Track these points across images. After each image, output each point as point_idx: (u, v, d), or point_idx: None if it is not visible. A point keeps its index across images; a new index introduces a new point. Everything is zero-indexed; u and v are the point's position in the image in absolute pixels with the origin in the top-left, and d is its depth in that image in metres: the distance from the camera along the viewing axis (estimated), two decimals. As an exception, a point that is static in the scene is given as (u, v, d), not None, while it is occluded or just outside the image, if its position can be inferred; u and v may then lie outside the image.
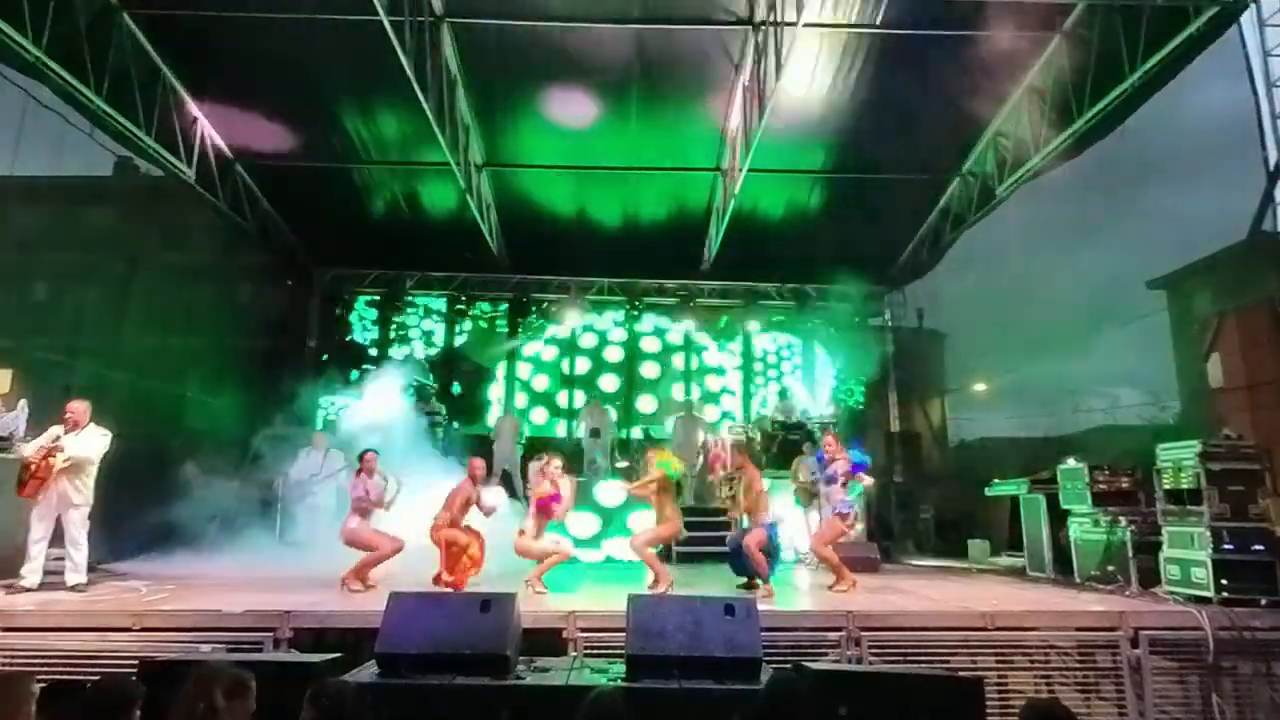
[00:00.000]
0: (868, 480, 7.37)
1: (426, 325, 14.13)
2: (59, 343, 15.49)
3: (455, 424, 12.35)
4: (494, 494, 7.38)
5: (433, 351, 14.01)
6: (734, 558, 7.14)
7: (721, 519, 10.18)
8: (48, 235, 17.52)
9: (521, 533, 6.80)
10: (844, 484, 7.12)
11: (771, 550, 6.81)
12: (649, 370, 14.20)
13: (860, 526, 8.53)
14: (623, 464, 11.36)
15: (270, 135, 10.42)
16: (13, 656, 4.78)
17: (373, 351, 13.82)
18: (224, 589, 6.34)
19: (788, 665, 4.60)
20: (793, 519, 9.67)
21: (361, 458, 7.15)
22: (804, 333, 14.23)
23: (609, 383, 14.00)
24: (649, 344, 14.25)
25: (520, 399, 13.92)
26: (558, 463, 6.99)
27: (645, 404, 13.95)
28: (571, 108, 9.66)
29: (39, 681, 3.40)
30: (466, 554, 6.80)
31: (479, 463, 7.28)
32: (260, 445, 10.41)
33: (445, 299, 14.02)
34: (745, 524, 6.96)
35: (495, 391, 13.97)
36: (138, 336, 11.88)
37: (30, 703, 3.01)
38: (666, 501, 6.88)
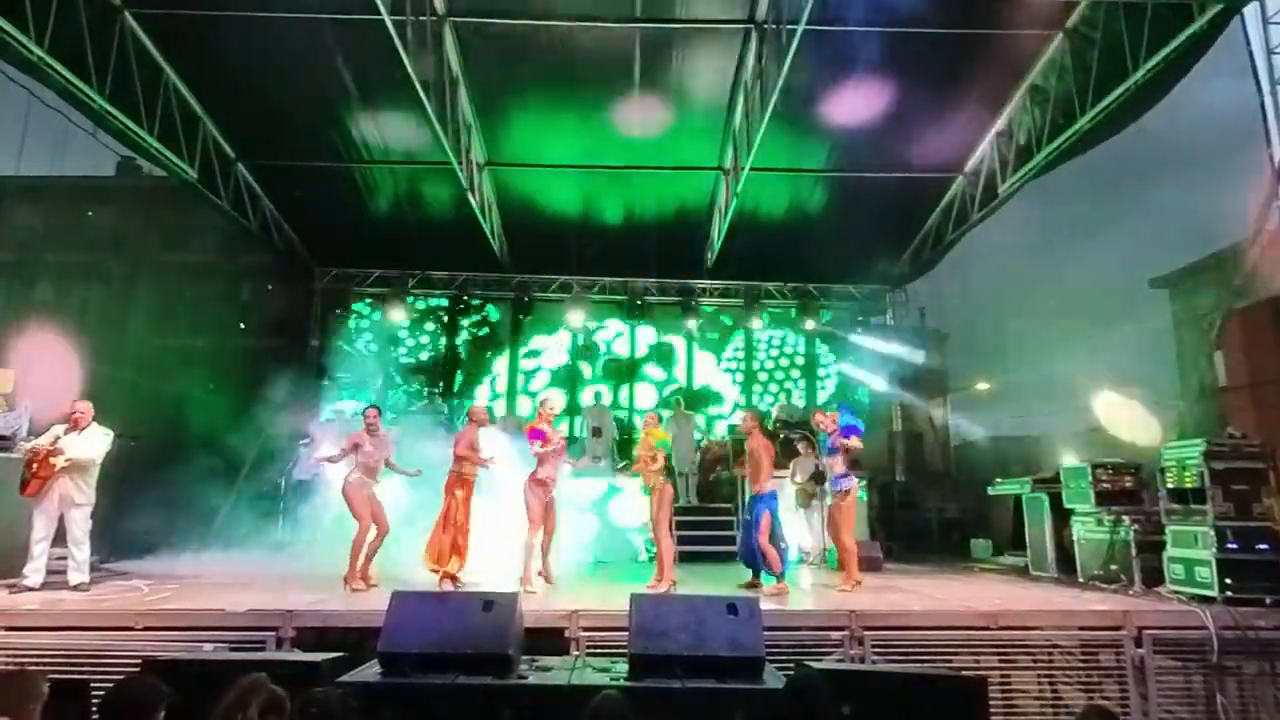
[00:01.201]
0: (856, 444, 7.30)
1: (428, 324, 14.16)
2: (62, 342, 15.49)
3: (459, 424, 12.34)
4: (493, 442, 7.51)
5: (435, 351, 14.04)
6: (745, 551, 7.21)
7: (723, 518, 10.25)
8: (51, 235, 17.54)
9: (538, 481, 6.90)
10: (844, 454, 7.18)
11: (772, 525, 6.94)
12: (650, 370, 14.19)
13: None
14: (623, 463, 11.36)
15: (272, 135, 10.45)
16: (16, 655, 4.79)
17: (374, 351, 13.84)
18: (226, 588, 6.35)
19: (791, 665, 4.60)
20: (792, 519, 9.69)
21: (365, 414, 7.21)
22: (806, 332, 14.20)
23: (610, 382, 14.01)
24: (649, 343, 14.24)
25: (523, 399, 13.91)
26: (554, 404, 7.52)
27: (647, 401, 13.95)
28: (572, 106, 9.66)
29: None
30: (455, 543, 6.86)
31: (480, 409, 7.61)
32: (263, 444, 10.42)
33: (447, 298, 14.03)
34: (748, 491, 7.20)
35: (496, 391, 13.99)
36: (140, 336, 11.88)
37: (40, 701, 3.00)
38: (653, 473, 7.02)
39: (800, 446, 10.24)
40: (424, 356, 14.01)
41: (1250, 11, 7.31)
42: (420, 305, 14.09)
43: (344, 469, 7.07)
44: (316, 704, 2.87)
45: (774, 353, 14.50)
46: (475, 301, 13.92)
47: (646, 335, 14.28)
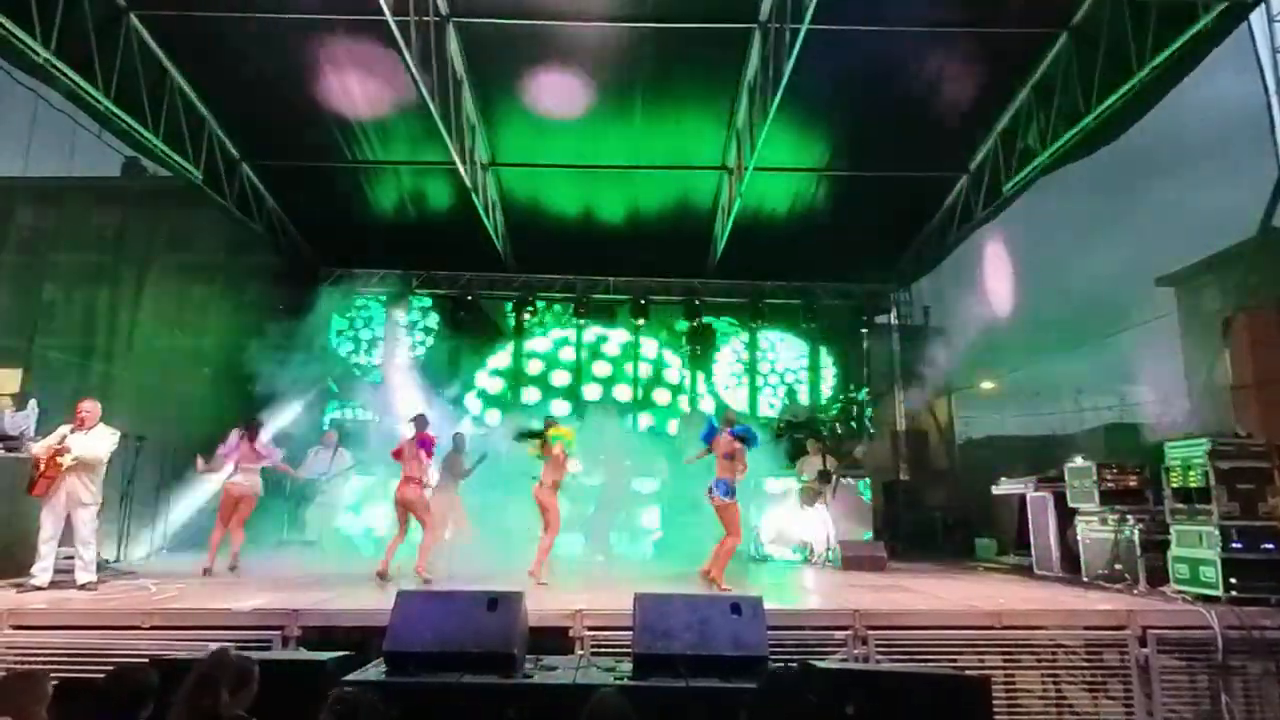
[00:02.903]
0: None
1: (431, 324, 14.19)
2: (69, 343, 15.57)
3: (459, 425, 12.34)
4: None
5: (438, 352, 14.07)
6: None
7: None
8: (58, 235, 17.62)
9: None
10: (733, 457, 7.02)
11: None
12: (649, 371, 14.21)
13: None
14: (625, 463, 11.35)
15: (276, 135, 10.48)
16: (23, 655, 4.82)
17: (377, 350, 13.86)
18: (233, 588, 6.40)
19: (794, 664, 4.60)
20: (800, 517, 9.71)
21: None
22: (810, 332, 14.18)
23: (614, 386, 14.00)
24: (651, 344, 14.23)
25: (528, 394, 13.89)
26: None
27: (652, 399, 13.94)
28: (576, 105, 9.67)
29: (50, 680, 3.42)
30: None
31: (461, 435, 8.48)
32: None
33: (450, 299, 14.03)
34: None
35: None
36: (146, 336, 11.92)
37: (45, 701, 3.02)
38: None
39: (808, 445, 10.29)
40: (424, 356, 14.02)
41: (1256, 9, 7.28)
42: (424, 305, 14.11)
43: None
44: (343, 704, 2.87)
45: (780, 357, 14.45)
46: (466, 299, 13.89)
47: (649, 348, 14.17)
